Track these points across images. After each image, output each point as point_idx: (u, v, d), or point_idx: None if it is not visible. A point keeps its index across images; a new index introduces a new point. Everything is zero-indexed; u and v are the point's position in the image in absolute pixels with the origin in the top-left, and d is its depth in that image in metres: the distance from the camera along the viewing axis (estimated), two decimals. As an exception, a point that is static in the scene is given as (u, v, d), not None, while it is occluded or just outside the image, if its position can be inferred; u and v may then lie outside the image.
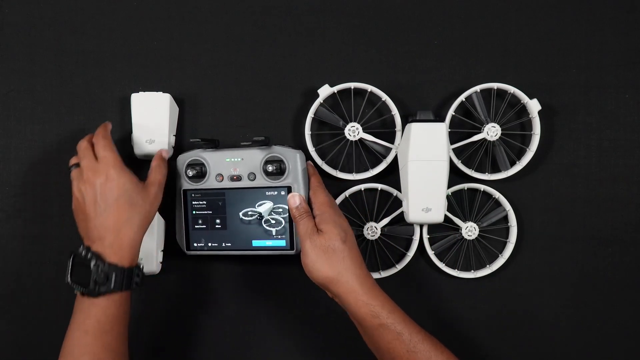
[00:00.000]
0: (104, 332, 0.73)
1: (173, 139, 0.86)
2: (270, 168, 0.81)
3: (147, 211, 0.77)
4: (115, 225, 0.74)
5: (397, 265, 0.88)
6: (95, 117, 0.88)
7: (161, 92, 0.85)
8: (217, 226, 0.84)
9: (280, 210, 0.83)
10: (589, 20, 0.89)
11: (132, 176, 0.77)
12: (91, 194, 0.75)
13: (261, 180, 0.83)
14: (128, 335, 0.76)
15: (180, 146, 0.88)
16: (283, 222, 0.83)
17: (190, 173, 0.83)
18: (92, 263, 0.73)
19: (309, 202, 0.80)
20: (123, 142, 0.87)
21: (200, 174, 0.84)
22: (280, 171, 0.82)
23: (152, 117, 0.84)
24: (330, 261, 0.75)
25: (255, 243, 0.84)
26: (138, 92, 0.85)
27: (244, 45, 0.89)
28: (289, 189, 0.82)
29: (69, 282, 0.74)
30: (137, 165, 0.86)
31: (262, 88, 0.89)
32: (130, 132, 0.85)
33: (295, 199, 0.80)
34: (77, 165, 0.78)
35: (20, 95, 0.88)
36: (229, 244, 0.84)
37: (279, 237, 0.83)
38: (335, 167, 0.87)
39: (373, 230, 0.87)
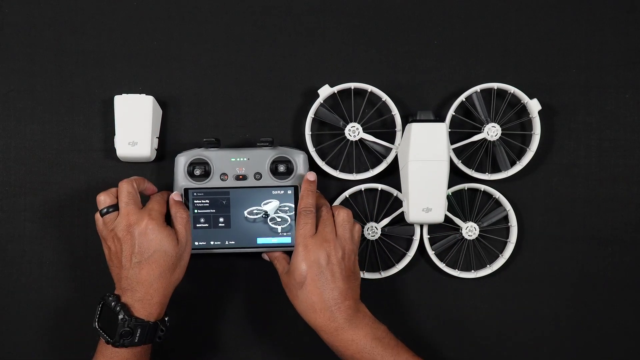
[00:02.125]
0: None
1: (156, 141, 0.86)
2: (281, 168, 0.83)
3: (181, 268, 0.78)
4: (148, 280, 0.75)
5: (397, 265, 0.88)
6: (95, 117, 0.88)
7: (144, 95, 0.85)
8: (220, 225, 0.84)
9: (287, 208, 0.83)
10: (589, 20, 0.89)
11: (172, 232, 0.78)
12: (130, 244, 0.75)
13: (268, 180, 0.83)
14: None
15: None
16: (289, 219, 0.83)
17: (198, 172, 0.83)
18: (120, 316, 0.73)
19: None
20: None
21: (204, 173, 0.84)
22: (288, 171, 0.83)
23: (135, 120, 0.84)
24: (295, 303, 0.78)
25: (260, 241, 0.84)
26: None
27: (244, 45, 0.89)
28: (295, 189, 0.83)
29: (96, 327, 0.75)
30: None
31: (262, 88, 0.89)
32: (113, 134, 0.85)
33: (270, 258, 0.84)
34: (112, 208, 0.78)
35: (20, 95, 0.88)
36: (233, 242, 0.84)
37: (285, 234, 0.84)
38: (335, 168, 0.87)
39: (373, 230, 0.87)
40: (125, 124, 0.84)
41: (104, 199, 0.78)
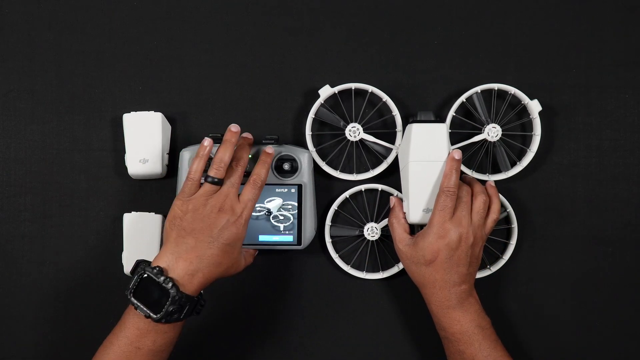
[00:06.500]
0: (157, 352, 0.73)
1: (167, 157, 0.86)
2: (286, 166, 0.83)
3: (235, 268, 0.77)
4: (210, 261, 0.73)
5: (398, 265, 0.88)
6: (95, 117, 0.88)
7: (152, 111, 0.84)
8: None
9: (290, 207, 0.84)
10: (589, 20, 0.89)
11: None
12: (212, 225, 0.73)
13: (272, 178, 0.83)
14: None
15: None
16: (292, 218, 0.84)
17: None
18: (172, 293, 0.70)
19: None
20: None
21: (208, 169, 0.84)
22: (292, 170, 0.83)
23: (145, 137, 0.84)
24: (414, 275, 0.80)
25: (262, 238, 0.84)
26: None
27: (244, 45, 0.89)
28: (299, 187, 0.83)
29: (132, 301, 0.71)
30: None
31: (262, 88, 0.89)
32: (124, 151, 0.85)
33: (392, 203, 0.83)
34: (215, 180, 0.75)
35: (20, 95, 0.88)
36: None
37: (287, 232, 0.84)
38: (335, 168, 0.87)
39: (373, 230, 0.87)
40: (135, 141, 0.84)
41: (209, 168, 0.76)
